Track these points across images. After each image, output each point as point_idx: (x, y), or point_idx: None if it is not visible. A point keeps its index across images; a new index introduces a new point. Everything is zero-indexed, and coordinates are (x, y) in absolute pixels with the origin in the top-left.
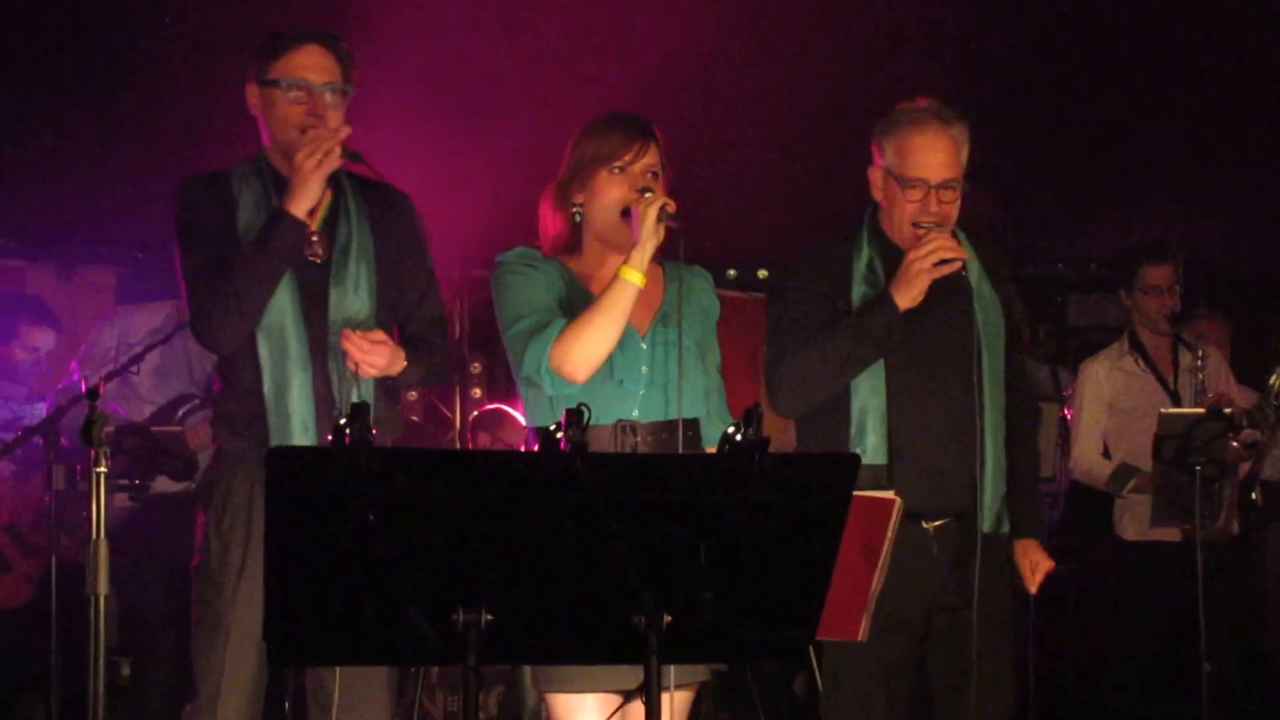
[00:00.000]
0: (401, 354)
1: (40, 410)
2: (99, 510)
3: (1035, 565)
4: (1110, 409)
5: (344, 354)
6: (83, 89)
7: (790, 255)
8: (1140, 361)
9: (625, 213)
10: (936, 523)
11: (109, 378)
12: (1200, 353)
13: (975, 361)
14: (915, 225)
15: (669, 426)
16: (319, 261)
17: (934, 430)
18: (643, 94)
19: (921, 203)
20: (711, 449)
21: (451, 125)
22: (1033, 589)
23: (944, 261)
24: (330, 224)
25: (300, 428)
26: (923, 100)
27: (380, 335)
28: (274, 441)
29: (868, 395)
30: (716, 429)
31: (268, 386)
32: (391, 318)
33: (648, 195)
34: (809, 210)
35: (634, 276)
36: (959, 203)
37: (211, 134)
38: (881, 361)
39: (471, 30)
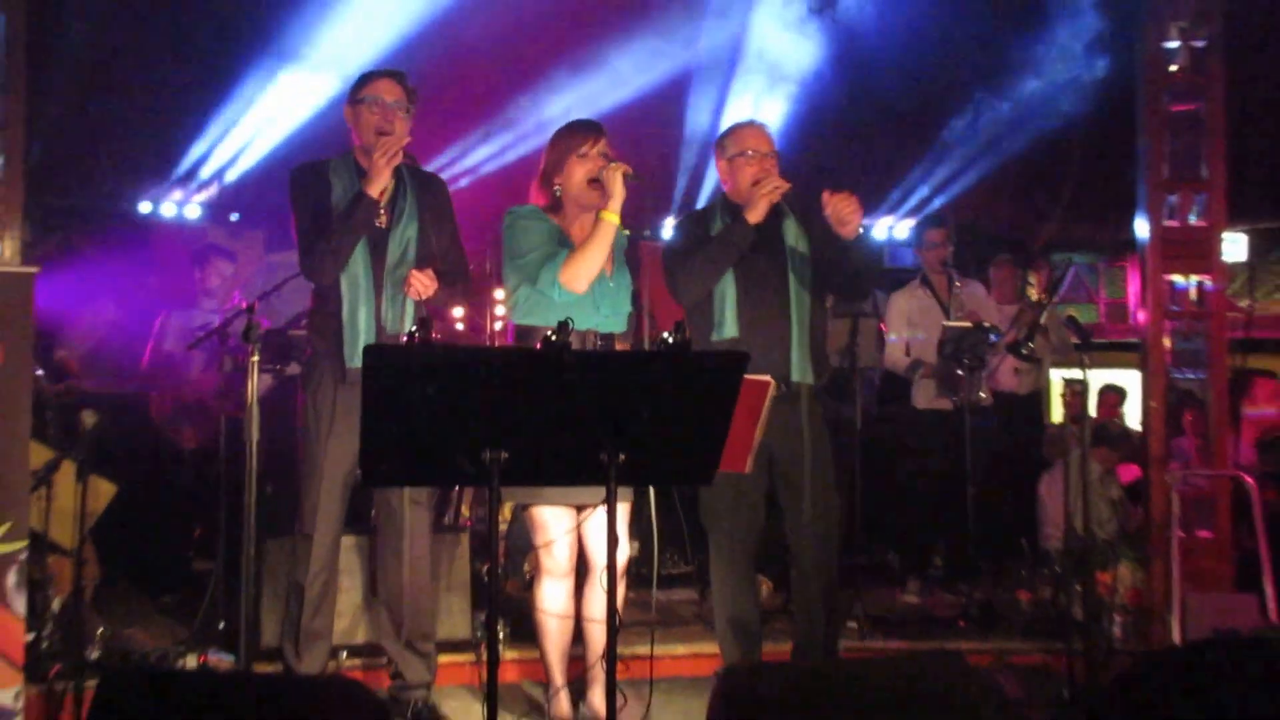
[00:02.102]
0: (436, 283)
1: (217, 320)
2: (253, 386)
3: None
4: (908, 323)
5: (405, 283)
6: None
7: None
8: (927, 292)
9: (591, 182)
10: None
11: (261, 299)
12: (958, 284)
13: (787, 275)
14: (755, 183)
15: (607, 337)
16: (382, 225)
17: (768, 318)
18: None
19: (759, 164)
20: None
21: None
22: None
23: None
24: (392, 200)
25: (365, 334)
26: (743, 120)
27: (431, 273)
28: (347, 344)
29: (725, 292)
30: (628, 338)
31: (345, 308)
32: (426, 261)
33: (612, 165)
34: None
35: (613, 218)
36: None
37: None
38: (734, 273)
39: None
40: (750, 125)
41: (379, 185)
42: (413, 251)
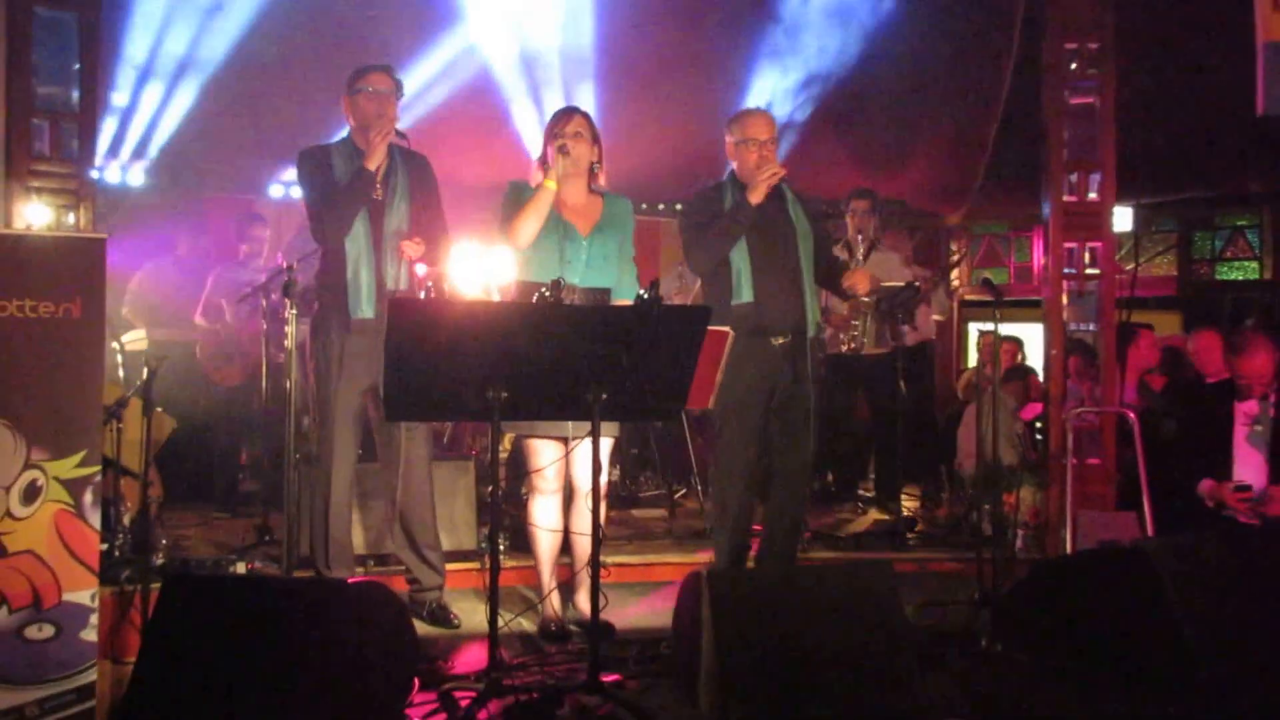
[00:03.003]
0: (424, 247)
1: (261, 277)
2: (291, 334)
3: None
4: None
5: (398, 250)
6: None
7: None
8: (846, 254)
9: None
10: (781, 339)
11: (299, 260)
12: (862, 253)
13: (796, 247)
14: (757, 167)
15: (595, 292)
16: (379, 198)
17: (779, 283)
18: None
19: (759, 150)
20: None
21: None
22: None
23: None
24: (386, 176)
25: (366, 291)
26: (749, 107)
27: (419, 240)
28: (350, 298)
29: (740, 264)
30: (629, 291)
31: (349, 268)
32: (415, 227)
33: (558, 144)
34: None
35: (550, 184)
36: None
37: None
38: (748, 249)
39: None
40: (755, 113)
41: (375, 160)
42: (406, 220)
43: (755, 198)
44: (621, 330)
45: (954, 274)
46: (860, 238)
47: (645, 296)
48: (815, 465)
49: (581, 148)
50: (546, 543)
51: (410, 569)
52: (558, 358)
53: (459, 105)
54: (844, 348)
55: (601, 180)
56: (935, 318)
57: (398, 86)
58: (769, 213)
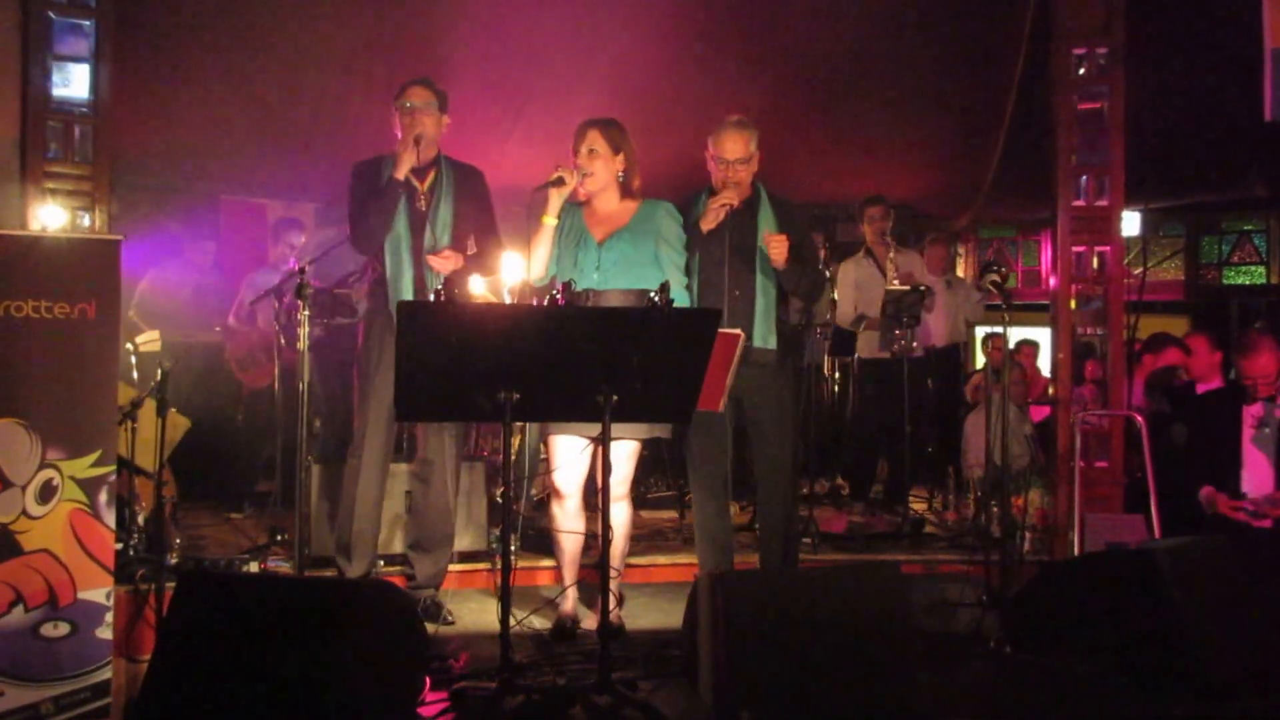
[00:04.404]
0: (461, 260)
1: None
2: (305, 335)
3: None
4: (855, 286)
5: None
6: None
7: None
8: (870, 261)
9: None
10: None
11: (311, 263)
12: (893, 254)
13: (755, 258)
14: (721, 186)
15: (628, 294)
16: (423, 209)
17: (727, 297)
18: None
19: (724, 171)
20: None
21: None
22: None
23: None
24: (431, 188)
25: (408, 294)
26: (733, 116)
27: (449, 252)
28: (392, 303)
29: (691, 277)
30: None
31: (390, 273)
32: (463, 238)
33: (555, 175)
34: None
35: (548, 220)
36: (750, 170)
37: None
38: (700, 259)
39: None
40: (727, 130)
41: (403, 169)
42: (448, 231)
43: (704, 225)
44: (632, 332)
45: (960, 270)
46: (884, 241)
47: (655, 297)
48: (824, 467)
49: (596, 164)
50: (568, 544)
51: (412, 563)
52: (568, 359)
53: (471, 108)
54: (895, 348)
55: (636, 184)
56: (968, 319)
57: (437, 97)
58: (731, 228)
